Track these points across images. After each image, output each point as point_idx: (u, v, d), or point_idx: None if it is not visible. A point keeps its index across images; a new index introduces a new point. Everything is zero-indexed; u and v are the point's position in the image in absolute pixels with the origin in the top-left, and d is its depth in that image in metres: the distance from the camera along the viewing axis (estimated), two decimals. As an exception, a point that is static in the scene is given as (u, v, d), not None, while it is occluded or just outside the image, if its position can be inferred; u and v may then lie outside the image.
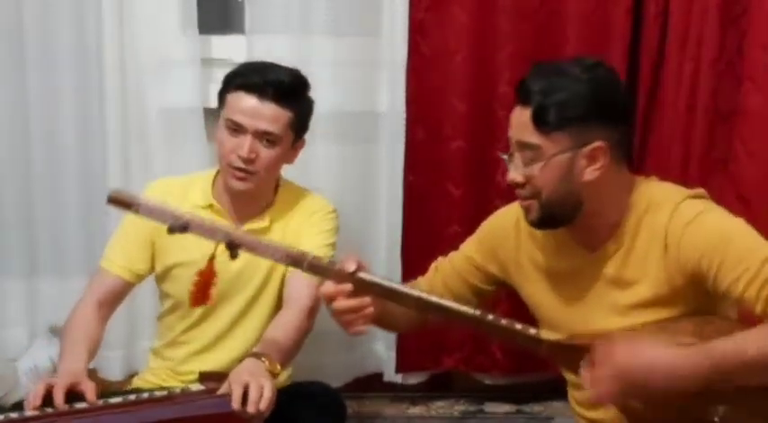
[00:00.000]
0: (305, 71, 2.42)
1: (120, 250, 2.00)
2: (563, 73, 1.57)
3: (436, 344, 2.57)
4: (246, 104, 1.91)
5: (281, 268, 1.98)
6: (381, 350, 2.62)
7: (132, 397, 1.71)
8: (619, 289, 1.61)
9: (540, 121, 1.54)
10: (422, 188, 2.50)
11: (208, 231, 1.55)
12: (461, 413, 2.56)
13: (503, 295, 1.90)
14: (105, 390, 2.06)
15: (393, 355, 2.57)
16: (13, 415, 1.66)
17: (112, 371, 2.54)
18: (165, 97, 2.46)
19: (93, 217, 2.52)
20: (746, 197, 2.28)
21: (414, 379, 2.63)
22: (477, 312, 1.54)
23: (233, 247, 1.53)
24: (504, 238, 1.76)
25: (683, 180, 2.31)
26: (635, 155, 2.41)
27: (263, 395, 1.57)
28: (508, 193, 1.93)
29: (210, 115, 2.41)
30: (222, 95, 1.97)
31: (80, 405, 1.67)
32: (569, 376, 1.73)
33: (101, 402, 1.68)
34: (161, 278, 2.04)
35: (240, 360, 1.72)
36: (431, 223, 2.49)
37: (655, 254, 1.57)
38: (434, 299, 1.57)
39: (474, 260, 1.80)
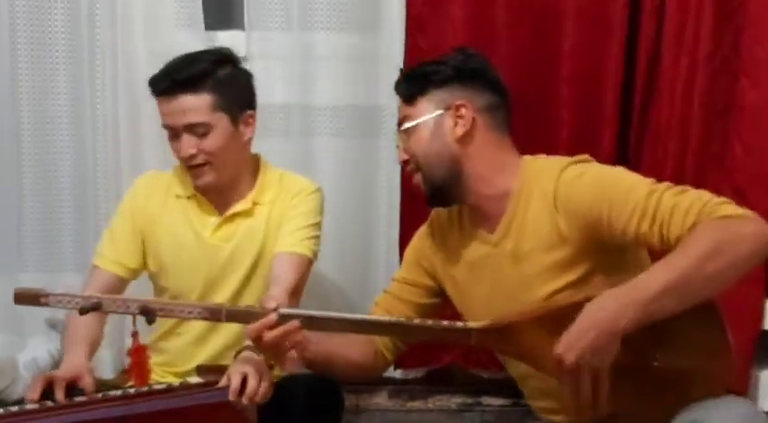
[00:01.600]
0: (304, 66, 2.45)
1: (111, 247, 2.01)
2: (426, 61, 1.79)
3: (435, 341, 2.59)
4: (165, 107, 1.93)
5: (271, 250, 1.98)
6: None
7: (131, 391, 1.71)
8: (520, 262, 1.66)
9: (403, 95, 1.73)
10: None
11: (120, 305, 1.60)
12: (459, 406, 2.57)
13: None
14: (103, 386, 2.07)
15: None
16: (13, 408, 1.67)
17: (104, 370, 2.54)
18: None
19: (84, 213, 2.53)
20: (743, 192, 2.29)
21: (412, 373, 2.63)
22: (402, 319, 1.64)
23: (148, 314, 1.58)
24: (422, 249, 1.86)
25: (680, 175, 2.32)
26: (630, 149, 2.42)
27: (260, 385, 1.59)
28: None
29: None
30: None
31: (79, 398, 1.69)
32: (511, 368, 1.77)
33: (100, 395, 1.69)
34: (157, 275, 2.05)
35: (234, 347, 1.74)
36: (428, 216, 2.49)
37: (545, 217, 1.62)
38: (357, 316, 1.64)
39: (407, 279, 1.87)
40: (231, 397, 1.57)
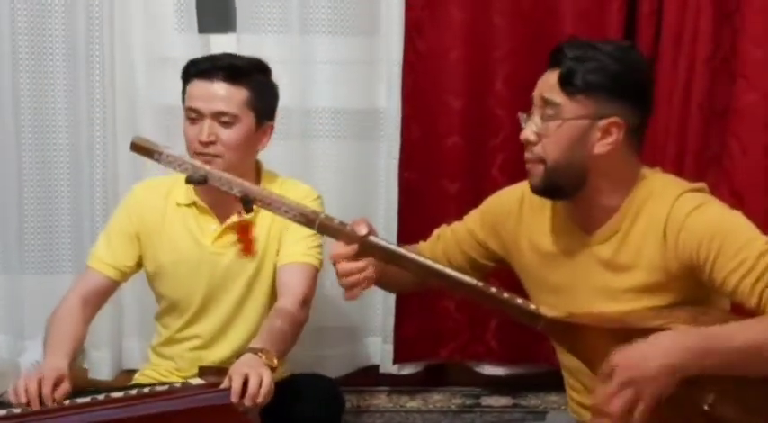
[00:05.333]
0: (303, 69, 2.45)
1: (106, 247, 2.00)
2: (597, 47, 1.60)
3: (432, 334, 2.59)
4: (200, 89, 1.92)
5: (271, 259, 1.98)
6: (378, 343, 2.64)
7: (133, 392, 1.72)
8: (612, 273, 1.63)
9: (566, 83, 1.58)
10: (418, 184, 2.52)
11: (225, 184, 1.58)
12: (458, 406, 2.58)
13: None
14: (102, 388, 2.08)
15: (390, 347, 2.59)
16: (16, 410, 1.68)
17: (101, 370, 2.56)
18: (156, 95, 2.47)
19: (81, 217, 2.55)
20: (740, 193, 2.31)
21: (410, 369, 2.65)
22: (480, 284, 1.57)
23: (248, 201, 1.57)
24: (506, 215, 1.78)
25: (678, 176, 2.32)
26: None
27: (261, 387, 1.60)
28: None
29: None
30: (183, 91, 1.98)
31: (82, 400, 1.69)
32: (564, 358, 1.74)
33: (102, 397, 1.69)
34: (153, 278, 2.04)
35: (239, 354, 1.73)
36: (426, 219, 2.47)
37: (652, 241, 1.58)
38: (439, 267, 1.60)
39: (475, 234, 1.83)
40: (233, 399, 1.58)
